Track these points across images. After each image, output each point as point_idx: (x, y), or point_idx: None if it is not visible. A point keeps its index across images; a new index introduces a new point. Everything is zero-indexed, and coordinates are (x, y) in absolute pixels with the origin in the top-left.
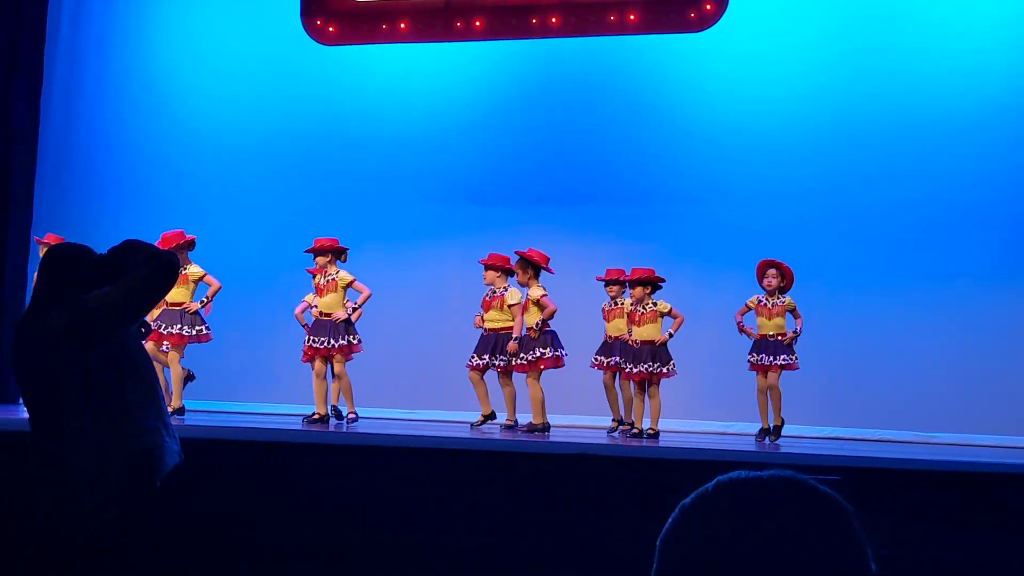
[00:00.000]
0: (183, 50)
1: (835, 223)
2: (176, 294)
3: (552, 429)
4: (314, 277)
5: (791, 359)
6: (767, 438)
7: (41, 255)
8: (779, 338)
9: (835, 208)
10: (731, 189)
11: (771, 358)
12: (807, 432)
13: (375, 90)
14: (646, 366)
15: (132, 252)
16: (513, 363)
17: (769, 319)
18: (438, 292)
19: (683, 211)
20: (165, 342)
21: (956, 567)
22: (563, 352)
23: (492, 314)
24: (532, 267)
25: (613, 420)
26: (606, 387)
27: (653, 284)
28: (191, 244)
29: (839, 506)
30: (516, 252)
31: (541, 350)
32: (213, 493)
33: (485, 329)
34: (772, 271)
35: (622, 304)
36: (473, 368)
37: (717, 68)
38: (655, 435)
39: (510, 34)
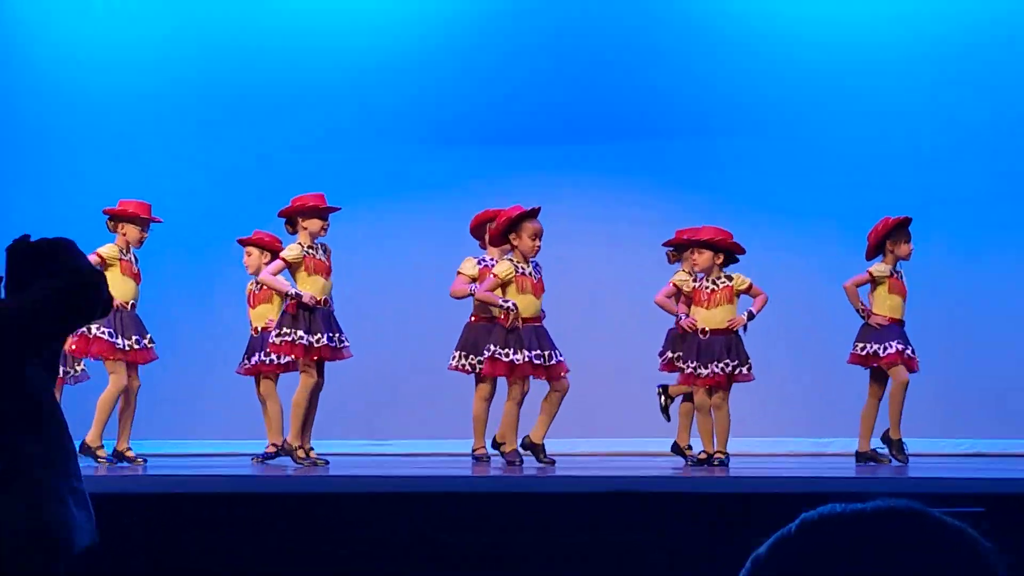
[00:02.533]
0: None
1: (971, 175)
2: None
3: (577, 459)
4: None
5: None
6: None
7: None
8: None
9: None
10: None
11: (910, 348)
12: (930, 447)
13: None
14: (720, 365)
15: (50, 257)
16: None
17: (905, 298)
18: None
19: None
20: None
21: None
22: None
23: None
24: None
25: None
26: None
27: (727, 252)
28: (146, 224)
29: (976, 545)
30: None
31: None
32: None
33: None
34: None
35: (699, 281)
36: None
37: None
38: (724, 461)
39: None
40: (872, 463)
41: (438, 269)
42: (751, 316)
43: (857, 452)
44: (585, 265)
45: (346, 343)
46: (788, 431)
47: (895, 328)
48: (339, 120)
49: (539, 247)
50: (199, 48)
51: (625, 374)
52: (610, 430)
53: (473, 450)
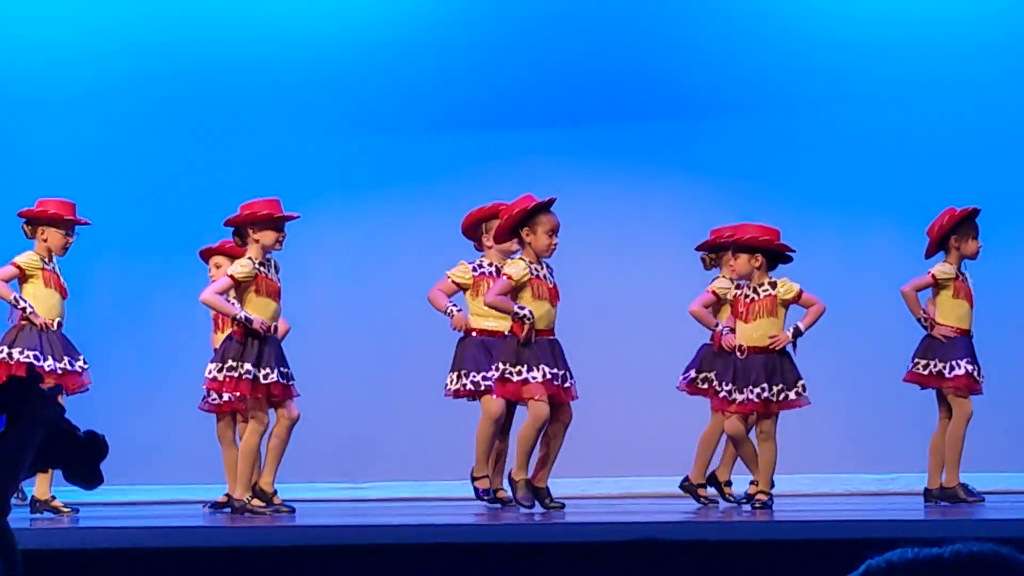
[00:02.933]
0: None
1: None
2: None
3: (587, 502)
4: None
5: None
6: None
7: None
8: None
9: None
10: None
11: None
12: (1006, 484)
13: None
14: (757, 391)
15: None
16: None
17: (972, 305)
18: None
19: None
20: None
21: None
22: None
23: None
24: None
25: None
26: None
27: (772, 253)
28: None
29: None
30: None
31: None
32: None
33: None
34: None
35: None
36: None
37: None
38: (768, 503)
39: None
40: (944, 503)
41: (422, 276)
42: (798, 332)
43: (926, 490)
44: (592, 268)
45: (294, 380)
46: (842, 466)
47: (963, 342)
48: (307, 110)
49: (556, 245)
50: (149, 30)
51: (642, 400)
52: (624, 467)
53: (473, 477)
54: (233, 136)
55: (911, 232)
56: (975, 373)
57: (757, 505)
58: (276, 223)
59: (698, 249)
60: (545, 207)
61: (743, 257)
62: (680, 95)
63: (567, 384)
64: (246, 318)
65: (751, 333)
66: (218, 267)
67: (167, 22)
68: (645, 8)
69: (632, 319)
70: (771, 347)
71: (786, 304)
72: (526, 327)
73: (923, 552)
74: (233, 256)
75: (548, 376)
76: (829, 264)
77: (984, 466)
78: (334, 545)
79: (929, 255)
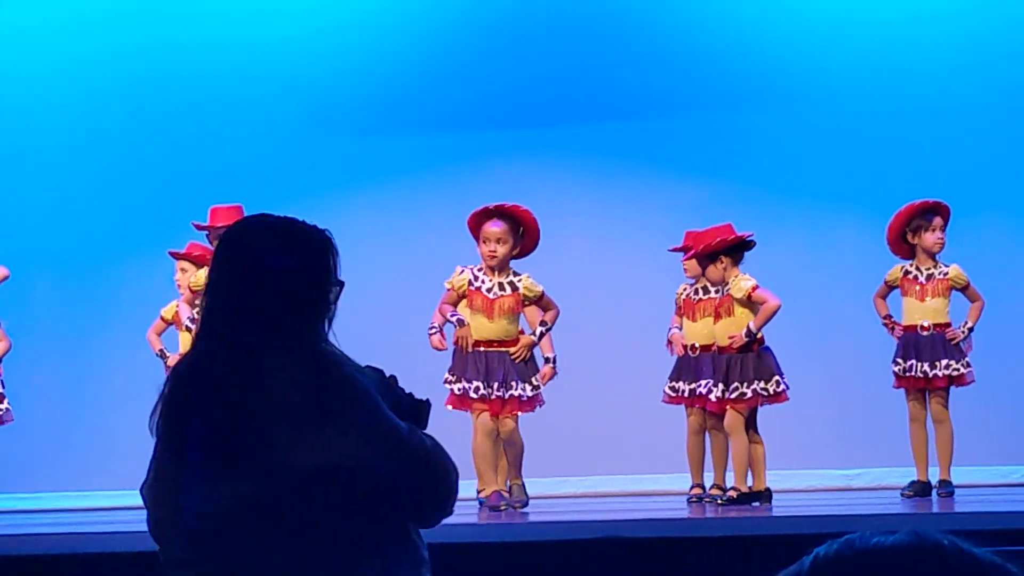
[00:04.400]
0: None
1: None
2: None
3: (557, 501)
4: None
5: (963, 367)
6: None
7: None
8: (943, 332)
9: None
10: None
11: (931, 365)
12: (981, 478)
13: None
14: (714, 388)
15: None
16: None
17: (922, 300)
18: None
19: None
20: None
21: None
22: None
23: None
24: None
25: (694, 485)
26: (691, 438)
27: (732, 250)
28: None
29: None
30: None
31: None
32: None
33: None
34: (938, 220)
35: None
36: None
37: None
38: (745, 497)
39: None
40: (917, 497)
41: (393, 279)
42: (750, 333)
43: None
44: (575, 266)
45: None
46: (808, 462)
47: (902, 340)
48: (275, 112)
49: (495, 254)
50: (109, 34)
51: (620, 398)
52: (589, 467)
53: (478, 491)
54: (199, 138)
55: (881, 226)
56: (898, 369)
57: (723, 501)
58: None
59: (675, 249)
60: (480, 216)
61: (711, 267)
62: (650, 93)
63: (505, 396)
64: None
65: (718, 332)
66: (184, 271)
67: (128, 26)
68: (617, 9)
69: (604, 319)
70: (734, 346)
71: (743, 301)
72: (462, 337)
73: (873, 538)
74: (198, 263)
75: (483, 390)
76: (798, 258)
77: (958, 459)
78: None
79: (897, 254)
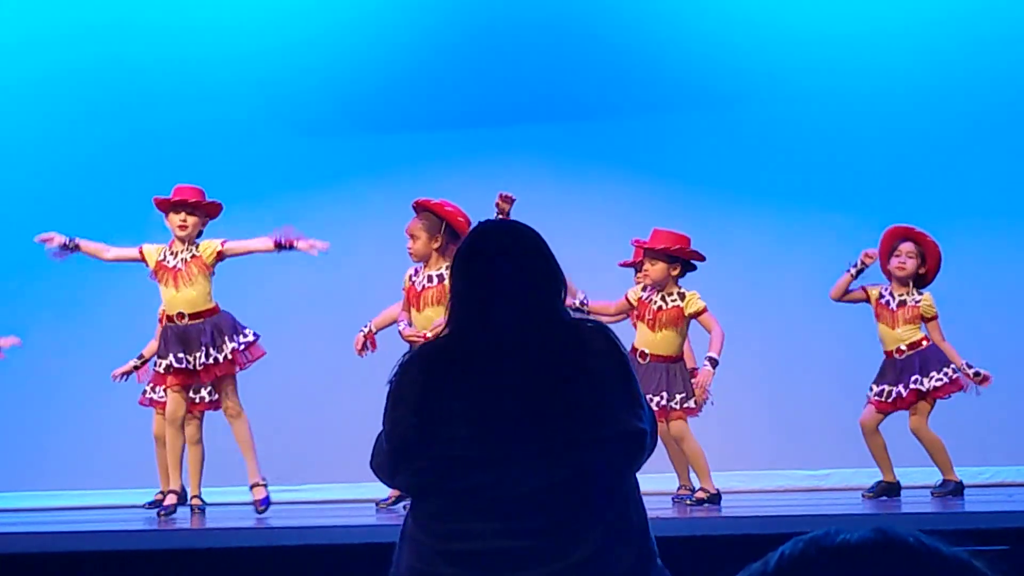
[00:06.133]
0: None
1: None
2: None
3: None
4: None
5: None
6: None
7: None
8: (918, 350)
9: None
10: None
11: (902, 385)
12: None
13: None
14: (659, 398)
15: None
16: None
17: (893, 328)
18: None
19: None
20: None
21: None
22: None
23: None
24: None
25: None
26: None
27: (682, 261)
28: None
29: None
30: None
31: None
32: None
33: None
34: (908, 246)
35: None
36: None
37: None
38: (705, 500)
39: None
40: (885, 497)
41: (367, 279)
42: (715, 362)
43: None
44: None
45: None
46: (776, 463)
47: (882, 364)
48: (253, 111)
49: (409, 249)
50: (74, 23)
51: None
52: None
53: None
54: (171, 137)
55: (844, 229)
56: (881, 394)
57: (692, 501)
58: (172, 207)
59: (627, 265)
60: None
61: (661, 265)
62: (617, 94)
63: None
64: None
65: (656, 341)
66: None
67: (95, 14)
68: (587, 9)
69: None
70: (673, 357)
71: (691, 317)
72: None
73: (834, 535)
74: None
75: None
76: (768, 258)
77: (928, 460)
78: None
79: (889, 280)
